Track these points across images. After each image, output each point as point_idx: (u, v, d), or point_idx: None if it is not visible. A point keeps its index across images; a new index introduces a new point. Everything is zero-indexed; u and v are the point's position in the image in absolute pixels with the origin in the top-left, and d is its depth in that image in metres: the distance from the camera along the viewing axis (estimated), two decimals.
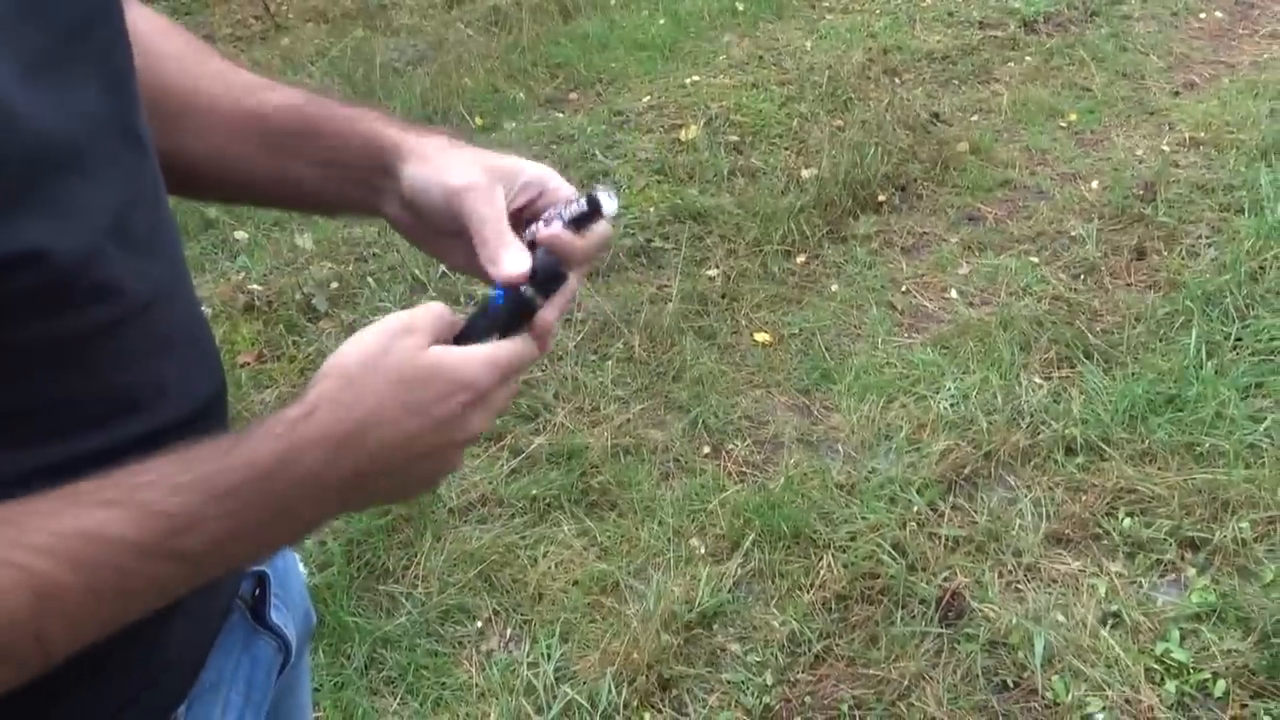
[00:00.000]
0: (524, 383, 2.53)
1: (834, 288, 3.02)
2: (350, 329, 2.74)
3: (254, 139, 0.71)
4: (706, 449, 2.46)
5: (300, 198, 0.76)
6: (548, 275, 0.63)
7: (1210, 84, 4.09)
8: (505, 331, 0.61)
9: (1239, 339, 2.63)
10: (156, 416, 0.59)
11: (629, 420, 2.52)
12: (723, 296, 2.95)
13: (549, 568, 2.16)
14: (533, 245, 0.65)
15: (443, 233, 0.69)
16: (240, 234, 3.35)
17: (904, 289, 3.00)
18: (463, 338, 0.60)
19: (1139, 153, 3.58)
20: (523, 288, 0.61)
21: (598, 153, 3.56)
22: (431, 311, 0.58)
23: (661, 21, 4.79)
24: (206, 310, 2.90)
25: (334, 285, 2.90)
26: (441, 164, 0.68)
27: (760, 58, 4.37)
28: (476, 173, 0.66)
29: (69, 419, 0.54)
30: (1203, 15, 4.69)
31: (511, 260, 0.63)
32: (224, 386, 0.69)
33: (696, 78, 4.21)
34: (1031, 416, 2.44)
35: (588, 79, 4.28)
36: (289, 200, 0.79)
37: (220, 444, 0.52)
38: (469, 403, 0.56)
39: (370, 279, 2.93)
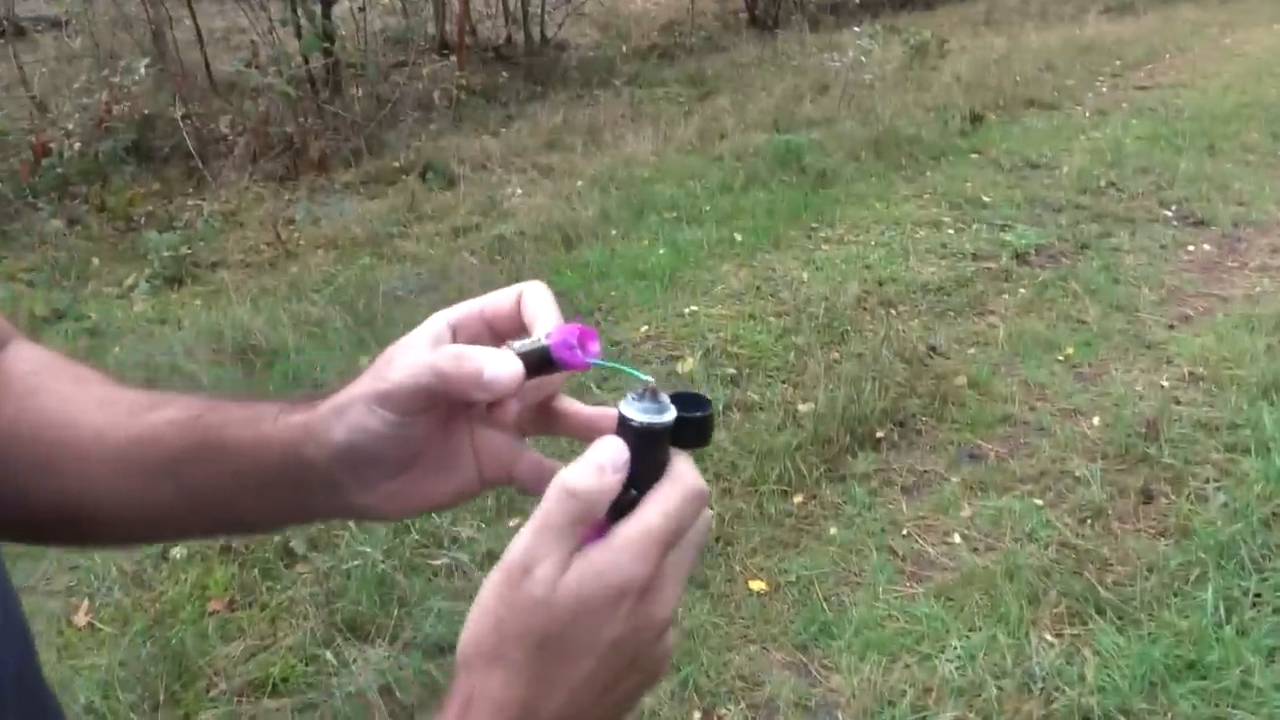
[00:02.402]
0: None
1: (832, 530, 2.91)
2: (326, 576, 2.64)
3: (148, 465, 0.62)
4: (697, 714, 2.30)
5: (223, 520, 0.65)
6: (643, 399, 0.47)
7: (1204, 317, 4.12)
8: (646, 482, 0.46)
9: (1258, 594, 2.50)
10: None
11: None
12: (717, 540, 2.85)
13: None
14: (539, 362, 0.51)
15: (416, 457, 0.56)
16: None
17: (905, 532, 2.90)
18: (611, 513, 0.46)
19: (1138, 388, 3.55)
20: (633, 420, 0.46)
21: (594, 386, 3.55)
22: (550, 527, 0.44)
23: (662, 251, 4.91)
24: (181, 551, 2.81)
25: (314, 527, 2.81)
26: (356, 396, 0.55)
27: (758, 288, 4.45)
28: (397, 366, 0.54)
29: None
30: (1191, 248, 4.79)
31: (497, 362, 0.50)
32: None
33: (695, 307, 4.27)
34: (1044, 681, 2.28)
35: (587, 307, 4.33)
36: (210, 525, 0.68)
37: None
38: (637, 602, 0.45)
39: (351, 522, 2.84)
